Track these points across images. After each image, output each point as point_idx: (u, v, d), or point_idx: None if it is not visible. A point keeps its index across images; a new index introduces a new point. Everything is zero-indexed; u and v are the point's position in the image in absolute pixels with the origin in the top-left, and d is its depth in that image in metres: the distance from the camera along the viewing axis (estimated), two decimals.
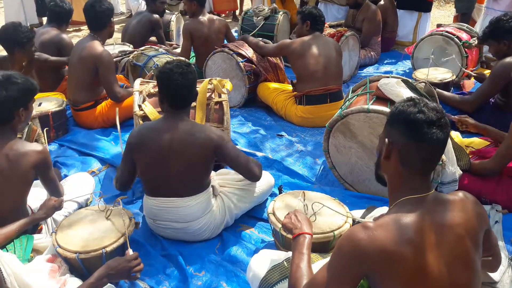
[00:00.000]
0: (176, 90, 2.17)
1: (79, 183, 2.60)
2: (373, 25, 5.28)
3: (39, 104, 3.46)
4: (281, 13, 5.40)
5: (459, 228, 1.32)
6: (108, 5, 3.57)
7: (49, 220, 2.28)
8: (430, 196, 1.36)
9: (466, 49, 4.34)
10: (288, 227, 1.75)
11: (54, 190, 2.25)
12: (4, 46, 3.48)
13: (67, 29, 4.39)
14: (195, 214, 2.25)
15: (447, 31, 4.46)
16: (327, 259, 1.76)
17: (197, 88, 2.31)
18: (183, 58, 4.13)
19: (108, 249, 1.95)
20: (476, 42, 4.42)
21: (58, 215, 2.32)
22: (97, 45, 3.48)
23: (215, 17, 4.64)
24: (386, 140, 1.41)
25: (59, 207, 2.18)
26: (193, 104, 2.84)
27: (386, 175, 1.46)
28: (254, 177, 2.40)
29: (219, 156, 2.25)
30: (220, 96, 2.93)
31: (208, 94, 2.88)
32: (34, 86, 2.19)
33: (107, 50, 3.55)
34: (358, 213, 2.23)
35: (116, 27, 3.73)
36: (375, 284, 1.31)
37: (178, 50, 5.01)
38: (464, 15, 5.96)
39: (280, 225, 2.00)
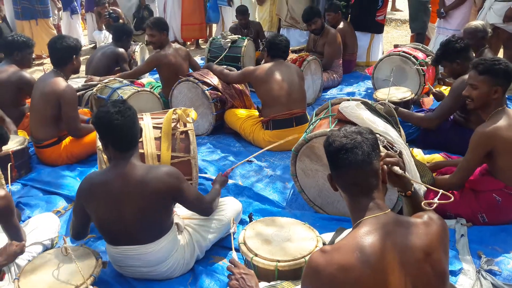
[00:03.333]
0: (118, 131, 2.04)
1: (44, 224, 2.51)
2: (333, 48, 5.45)
3: None
4: (246, 38, 5.55)
5: (419, 252, 1.35)
6: (72, 42, 3.48)
7: (11, 265, 2.19)
8: (387, 217, 1.40)
9: (422, 68, 4.53)
10: None
11: (15, 236, 2.16)
12: None
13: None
14: (162, 258, 2.17)
15: (404, 51, 4.65)
16: (299, 286, 1.78)
17: (142, 123, 2.20)
18: (147, 89, 4.13)
19: None
20: (431, 61, 4.63)
21: (21, 260, 2.23)
22: (60, 81, 3.42)
23: (178, 45, 4.71)
24: (328, 174, 1.55)
25: (20, 252, 2.09)
26: (158, 134, 2.83)
27: (344, 201, 1.54)
28: (207, 214, 2.39)
29: (176, 200, 2.19)
30: (185, 126, 2.92)
31: (173, 124, 2.88)
32: (7, 135, 2.17)
33: (70, 85, 3.50)
34: (328, 236, 2.25)
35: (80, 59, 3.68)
36: None
37: (144, 80, 5.02)
38: (419, 34, 6.26)
39: (251, 255, 1.99)
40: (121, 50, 5.03)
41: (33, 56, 4.37)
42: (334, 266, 1.29)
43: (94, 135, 3.54)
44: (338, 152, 1.44)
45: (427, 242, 1.37)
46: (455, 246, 2.45)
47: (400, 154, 2.49)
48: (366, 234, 1.35)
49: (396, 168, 1.58)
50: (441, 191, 1.55)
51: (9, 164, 2.83)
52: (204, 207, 2.33)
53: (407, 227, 1.39)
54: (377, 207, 1.42)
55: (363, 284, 1.28)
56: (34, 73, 4.95)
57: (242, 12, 6.34)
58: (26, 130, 3.78)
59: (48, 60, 7.68)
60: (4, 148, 3.29)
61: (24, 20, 7.27)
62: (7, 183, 2.78)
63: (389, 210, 1.45)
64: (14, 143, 3.39)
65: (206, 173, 3.44)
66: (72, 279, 1.94)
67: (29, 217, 2.75)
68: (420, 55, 4.71)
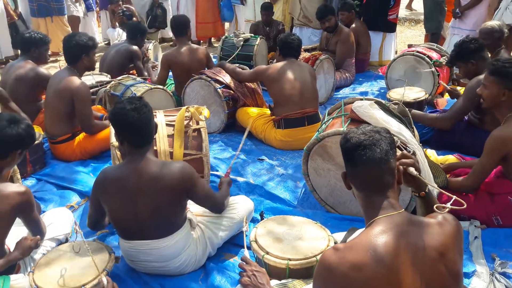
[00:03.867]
0: (135, 127, 2.07)
1: (58, 219, 2.54)
2: (346, 47, 5.42)
3: None
4: (259, 37, 5.55)
5: (433, 251, 1.34)
6: (85, 39, 3.50)
7: (27, 259, 2.22)
8: (401, 216, 1.40)
9: (437, 68, 4.49)
10: None
11: (36, 230, 2.20)
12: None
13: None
14: (174, 253, 2.20)
15: (418, 51, 4.61)
16: (310, 285, 1.78)
17: (155, 121, 2.24)
18: (160, 86, 4.16)
19: (88, 286, 1.90)
20: (446, 61, 4.58)
21: (36, 254, 2.27)
22: (73, 78, 3.45)
23: (195, 46, 4.68)
24: (342, 172, 1.54)
25: (35, 246, 2.12)
26: (171, 132, 2.85)
27: (357, 200, 1.53)
28: (219, 212, 2.41)
29: (189, 196, 2.21)
30: (198, 123, 2.94)
31: (185, 122, 2.89)
32: (35, 137, 2.23)
33: (84, 82, 3.53)
34: (340, 236, 2.24)
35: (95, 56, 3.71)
36: None
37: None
38: (434, 34, 6.19)
39: (263, 253, 1.99)
40: (135, 47, 5.06)
41: (49, 53, 4.42)
42: (346, 264, 1.29)
43: (108, 131, 3.57)
44: (356, 149, 1.43)
45: (441, 242, 1.36)
46: (468, 248, 2.42)
47: (414, 155, 2.47)
48: (380, 233, 1.34)
49: (412, 169, 1.57)
50: (454, 197, 1.53)
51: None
52: (216, 204, 2.35)
53: (421, 227, 1.38)
54: (391, 206, 1.41)
55: (376, 283, 1.27)
56: (49, 70, 5.00)
57: (266, 8, 6.31)
58: (41, 125, 3.83)
59: (63, 57, 7.78)
60: None
61: (40, 18, 7.37)
62: (23, 177, 2.83)
63: (403, 210, 1.44)
64: None
65: (217, 170, 3.45)
66: (85, 273, 1.96)
67: (44, 212, 2.79)
68: (435, 55, 4.66)
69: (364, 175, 1.44)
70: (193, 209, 2.44)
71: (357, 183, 1.48)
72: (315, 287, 1.40)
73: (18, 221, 2.16)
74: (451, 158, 3.05)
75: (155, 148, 2.71)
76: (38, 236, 2.18)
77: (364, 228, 1.46)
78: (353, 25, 5.79)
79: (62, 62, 7.55)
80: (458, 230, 1.43)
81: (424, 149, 2.73)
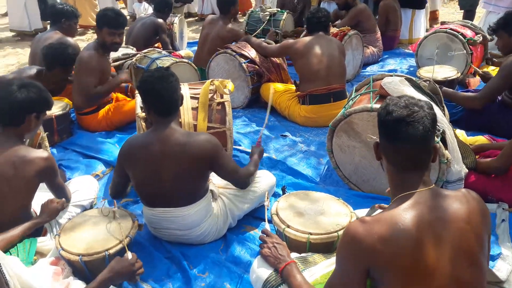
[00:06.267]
0: (162, 95, 2.10)
1: (83, 186, 2.60)
2: (347, 22, 5.23)
3: None
4: (286, 12, 5.44)
5: (461, 222, 1.31)
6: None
7: (53, 223, 2.29)
8: (429, 191, 1.36)
9: (470, 46, 4.30)
10: (270, 262, 1.75)
11: (61, 195, 2.27)
12: (47, 62, 3.59)
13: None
14: (196, 222, 2.22)
15: (451, 29, 4.42)
16: (331, 259, 1.77)
17: (181, 92, 2.24)
18: (185, 60, 4.15)
19: (111, 251, 1.94)
20: (481, 39, 4.38)
21: (62, 219, 2.33)
22: (87, 51, 3.52)
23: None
24: (374, 142, 1.48)
25: (61, 208, 2.18)
26: (195, 105, 2.84)
27: (386, 173, 1.49)
28: (242, 187, 2.40)
29: (212, 169, 2.22)
30: (222, 97, 2.92)
31: (210, 95, 2.88)
32: (51, 100, 2.29)
33: (90, 52, 3.51)
34: (362, 213, 2.20)
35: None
36: (378, 280, 1.31)
37: (182, 53, 5.03)
38: (469, 11, 5.94)
39: (284, 226, 1.98)
40: (161, 21, 5.05)
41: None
42: (374, 236, 1.26)
43: (133, 103, 3.61)
44: (398, 123, 1.34)
45: (467, 212, 1.33)
46: (495, 230, 2.36)
47: (443, 134, 2.40)
48: (408, 208, 1.31)
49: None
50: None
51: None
52: (240, 179, 2.34)
53: (448, 199, 1.35)
54: (423, 182, 1.37)
55: (403, 255, 1.25)
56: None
57: None
58: (69, 96, 3.89)
59: (91, 32, 7.84)
60: (48, 112, 3.42)
61: None
62: (51, 145, 2.89)
63: (433, 185, 1.40)
64: (57, 108, 3.51)
65: (240, 145, 3.45)
66: (109, 237, 2.00)
67: (69, 179, 2.86)
68: (469, 33, 4.46)
69: (401, 151, 1.38)
70: (216, 181, 2.45)
71: (391, 157, 1.42)
72: (339, 258, 1.38)
73: (44, 186, 2.23)
74: (481, 139, 2.94)
75: (179, 120, 2.72)
76: (64, 199, 2.24)
77: (391, 203, 1.43)
78: (383, 1, 5.60)
79: (89, 35, 7.65)
80: (482, 203, 1.40)
81: (454, 129, 2.65)
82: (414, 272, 1.25)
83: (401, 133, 1.34)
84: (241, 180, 2.36)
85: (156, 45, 5.22)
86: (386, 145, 1.42)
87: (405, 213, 1.30)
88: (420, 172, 1.38)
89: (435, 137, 2.29)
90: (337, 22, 5.41)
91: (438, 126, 2.39)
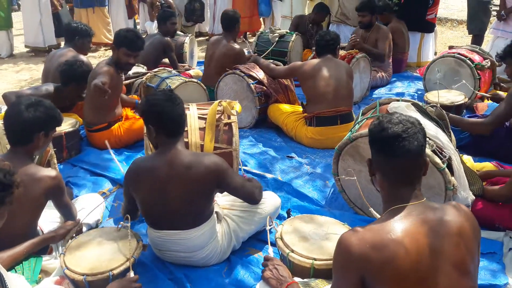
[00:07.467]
0: (171, 117, 2.13)
1: (89, 204, 2.61)
2: (385, 44, 5.27)
3: None
4: (295, 33, 5.50)
5: (453, 233, 1.34)
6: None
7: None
8: (421, 204, 1.41)
9: (478, 71, 4.31)
10: (273, 284, 1.77)
11: (67, 213, 2.29)
12: (63, 78, 3.70)
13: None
14: (201, 244, 2.22)
15: (459, 53, 4.45)
16: None
17: (187, 113, 2.27)
18: (194, 80, 4.20)
19: (115, 271, 1.94)
20: (489, 64, 4.39)
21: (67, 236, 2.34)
22: (101, 67, 3.55)
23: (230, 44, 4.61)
24: (367, 159, 1.53)
25: (75, 230, 2.21)
26: (203, 125, 2.87)
27: (379, 188, 1.53)
28: (253, 202, 2.37)
29: (221, 187, 2.22)
30: (229, 118, 2.95)
31: (217, 116, 2.91)
32: (60, 117, 2.31)
33: (105, 69, 3.51)
34: None
35: None
36: None
37: (191, 72, 5.09)
38: (477, 36, 5.96)
39: (288, 251, 1.98)
40: (167, 39, 5.08)
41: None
42: (366, 244, 1.30)
43: (141, 122, 3.64)
44: (394, 139, 1.40)
45: (459, 223, 1.37)
46: (502, 260, 2.33)
47: (450, 160, 2.40)
48: (400, 219, 1.36)
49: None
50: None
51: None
52: (250, 194, 2.31)
53: (439, 211, 1.39)
54: (415, 196, 1.42)
55: (395, 264, 1.27)
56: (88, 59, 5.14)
57: (323, 8, 6.15)
58: (79, 113, 3.95)
59: (103, 49, 7.98)
60: (58, 129, 3.47)
61: (82, 8, 7.61)
62: (59, 162, 2.92)
63: (425, 199, 1.44)
64: (67, 125, 3.55)
65: (246, 166, 3.46)
66: (113, 258, 2.01)
67: (76, 196, 2.88)
68: (477, 57, 4.48)
69: (396, 166, 1.43)
70: (220, 202, 2.46)
71: (385, 172, 1.46)
72: (335, 269, 1.42)
73: (50, 204, 2.25)
74: (488, 166, 2.93)
75: (186, 140, 2.75)
76: (79, 219, 2.26)
77: (382, 215, 1.46)
78: (391, 24, 5.65)
79: (101, 52, 7.79)
80: (471, 216, 1.44)
81: (461, 155, 2.64)
82: (406, 281, 1.28)
83: (398, 148, 1.40)
84: (252, 196, 2.32)
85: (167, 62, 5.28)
86: (379, 160, 1.47)
87: (397, 224, 1.34)
88: (412, 186, 1.44)
89: (442, 164, 2.30)
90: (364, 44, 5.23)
91: (444, 152, 2.39)
